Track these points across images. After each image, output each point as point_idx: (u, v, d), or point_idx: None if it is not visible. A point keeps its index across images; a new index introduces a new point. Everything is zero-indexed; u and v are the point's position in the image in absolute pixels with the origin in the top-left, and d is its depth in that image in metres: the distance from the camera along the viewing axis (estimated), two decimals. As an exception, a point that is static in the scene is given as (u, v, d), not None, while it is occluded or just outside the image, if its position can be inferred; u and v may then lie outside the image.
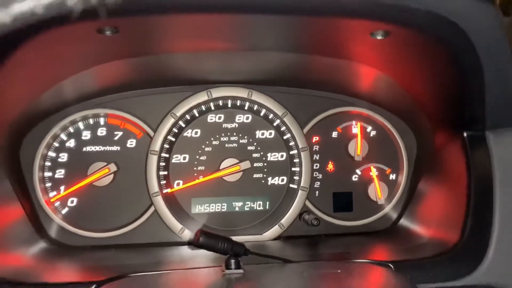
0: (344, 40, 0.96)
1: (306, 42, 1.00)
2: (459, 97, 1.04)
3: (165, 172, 1.30)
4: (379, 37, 0.89)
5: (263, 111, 1.35)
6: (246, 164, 1.32)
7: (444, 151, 1.20)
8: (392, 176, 1.40)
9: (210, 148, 1.33)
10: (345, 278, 0.89)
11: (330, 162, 1.38)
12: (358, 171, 1.39)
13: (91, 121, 1.28)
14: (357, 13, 0.78)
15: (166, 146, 1.30)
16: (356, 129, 1.38)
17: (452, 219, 1.10)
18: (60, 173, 1.27)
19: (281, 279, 0.90)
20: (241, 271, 0.90)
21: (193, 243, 0.95)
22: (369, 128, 1.39)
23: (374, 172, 1.38)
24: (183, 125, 1.32)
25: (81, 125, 1.28)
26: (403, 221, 1.34)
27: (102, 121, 1.29)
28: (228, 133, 1.34)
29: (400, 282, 0.89)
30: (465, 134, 1.08)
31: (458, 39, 0.83)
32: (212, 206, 1.33)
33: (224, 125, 1.34)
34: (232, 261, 0.92)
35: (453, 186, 1.15)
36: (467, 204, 1.05)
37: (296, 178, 1.35)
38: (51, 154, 1.26)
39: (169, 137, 1.31)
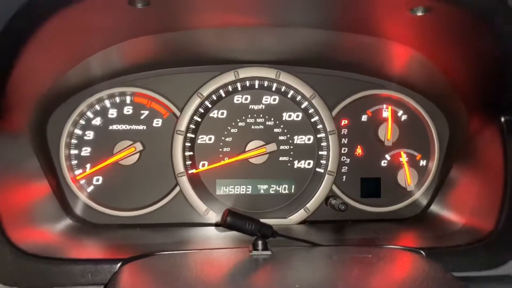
0: (381, 17, 0.92)
1: (341, 18, 0.97)
2: (499, 80, 0.99)
3: (191, 153, 1.29)
4: (419, 14, 0.85)
5: (291, 93, 1.32)
6: (272, 147, 1.30)
7: (479, 136, 1.15)
8: (423, 162, 1.35)
9: (236, 130, 1.31)
10: (376, 263, 0.86)
11: (358, 147, 1.35)
12: (387, 156, 1.35)
13: (117, 99, 1.27)
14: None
15: (192, 126, 1.29)
16: (386, 112, 1.34)
17: (487, 207, 1.07)
18: (86, 151, 1.26)
19: (309, 262, 0.88)
20: (268, 252, 0.88)
21: (220, 223, 0.93)
22: (400, 112, 1.35)
23: (404, 158, 1.34)
24: (209, 106, 1.30)
25: (107, 103, 1.27)
26: (434, 208, 1.30)
27: (128, 99, 1.28)
28: (255, 115, 1.31)
29: (432, 269, 0.86)
30: (502, 119, 1.04)
31: (504, 17, 0.79)
32: (237, 188, 1.31)
33: (251, 106, 1.31)
34: (260, 242, 0.90)
35: (488, 173, 1.11)
36: (503, 192, 1.02)
37: (323, 162, 1.32)
38: (78, 131, 1.26)
39: (195, 117, 1.29)
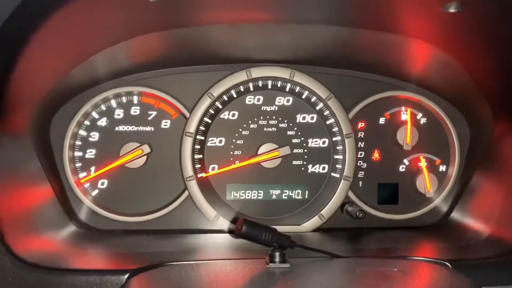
0: (410, 12, 0.86)
1: (363, 14, 0.91)
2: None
3: (200, 156, 1.23)
4: (451, 10, 0.79)
5: (305, 94, 1.26)
6: (285, 150, 1.24)
7: (505, 141, 1.10)
8: (442, 167, 1.30)
9: (248, 132, 1.25)
10: (402, 278, 0.80)
11: (376, 151, 1.29)
12: (405, 161, 1.29)
13: (124, 99, 1.22)
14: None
15: (202, 128, 1.23)
16: (405, 115, 1.28)
17: (515, 216, 1.01)
18: (90, 153, 1.21)
19: (332, 276, 0.82)
20: (287, 265, 0.83)
21: (235, 233, 0.87)
22: (419, 115, 1.29)
23: (423, 163, 1.28)
24: (220, 107, 1.24)
25: (113, 103, 1.22)
26: (454, 216, 1.24)
27: (135, 99, 1.22)
28: (267, 116, 1.25)
29: (462, 283, 0.80)
30: (532, 124, 0.98)
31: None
32: (248, 193, 1.25)
33: (263, 108, 1.25)
34: (277, 253, 0.84)
35: (515, 180, 1.06)
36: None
37: (338, 166, 1.26)
38: (82, 133, 1.20)
39: (205, 119, 1.23)
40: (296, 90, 1.26)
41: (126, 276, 0.83)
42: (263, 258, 0.86)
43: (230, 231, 1.21)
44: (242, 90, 1.25)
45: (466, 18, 0.83)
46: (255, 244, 0.87)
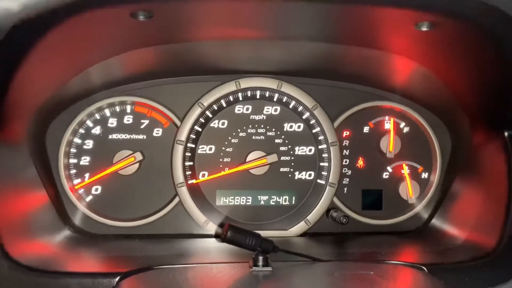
0: (385, 31, 0.91)
1: (344, 32, 0.96)
2: (503, 95, 0.98)
3: (191, 163, 1.28)
4: (424, 29, 0.84)
5: (292, 103, 1.31)
6: (273, 158, 1.28)
7: (482, 150, 1.14)
8: (424, 175, 1.34)
9: (237, 140, 1.29)
10: (378, 281, 0.85)
11: (360, 158, 1.33)
12: (389, 168, 1.34)
13: (117, 108, 1.26)
14: (404, 2, 0.73)
15: (193, 136, 1.28)
16: (388, 124, 1.33)
17: (490, 222, 1.06)
18: (85, 160, 1.25)
19: (311, 279, 0.86)
20: (269, 268, 0.87)
21: (221, 238, 0.92)
22: (402, 124, 1.34)
23: (406, 170, 1.33)
24: (210, 116, 1.29)
25: (107, 112, 1.26)
26: (435, 222, 1.29)
27: (128, 108, 1.27)
28: (256, 125, 1.30)
29: (436, 286, 0.85)
30: (506, 134, 1.03)
31: (507, 32, 0.78)
32: (237, 199, 1.30)
33: (252, 117, 1.30)
34: (260, 258, 0.88)
35: (491, 187, 1.10)
36: (507, 208, 1.01)
37: (324, 173, 1.31)
38: (77, 140, 1.24)
39: (196, 127, 1.28)
40: (284, 100, 1.31)
41: (117, 279, 0.86)
42: (247, 262, 0.91)
43: (217, 235, 1.25)
44: (231, 99, 1.29)
45: (439, 36, 0.88)
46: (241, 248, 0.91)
